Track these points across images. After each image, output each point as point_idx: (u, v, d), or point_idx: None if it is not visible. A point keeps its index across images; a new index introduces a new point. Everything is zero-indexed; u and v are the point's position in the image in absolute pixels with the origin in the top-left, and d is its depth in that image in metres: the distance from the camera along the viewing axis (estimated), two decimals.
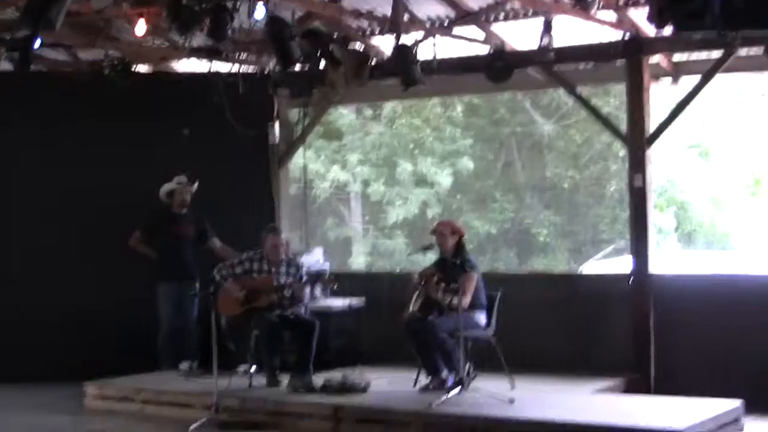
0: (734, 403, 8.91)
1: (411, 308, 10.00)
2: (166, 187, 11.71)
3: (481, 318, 10.10)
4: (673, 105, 11.20)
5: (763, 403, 9.49)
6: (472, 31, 11.33)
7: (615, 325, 11.05)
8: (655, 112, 11.19)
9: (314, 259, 12.08)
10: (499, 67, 11.10)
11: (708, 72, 10.62)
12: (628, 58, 10.79)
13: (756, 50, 9.76)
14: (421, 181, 23.00)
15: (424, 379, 9.93)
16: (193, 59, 12.31)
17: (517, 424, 8.59)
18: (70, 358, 11.59)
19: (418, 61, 10.40)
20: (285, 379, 10.16)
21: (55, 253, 12.12)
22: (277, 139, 12.67)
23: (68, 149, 12.22)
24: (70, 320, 11.93)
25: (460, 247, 10.17)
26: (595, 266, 18.68)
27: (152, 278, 11.57)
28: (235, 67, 11.88)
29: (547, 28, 10.31)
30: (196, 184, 11.71)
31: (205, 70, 12.05)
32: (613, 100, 20.59)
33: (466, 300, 9.75)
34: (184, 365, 11.17)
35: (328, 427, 9.33)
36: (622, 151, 19.51)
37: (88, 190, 12.13)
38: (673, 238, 22.22)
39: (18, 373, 11.52)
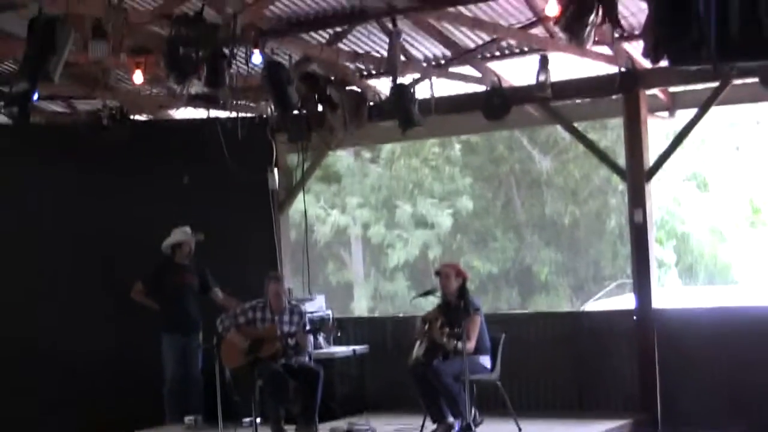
0: None
1: (415, 353, 9.91)
2: (170, 241, 11.58)
3: (486, 361, 10.02)
4: (670, 137, 11.17)
5: None
6: (468, 69, 11.32)
7: (620, 362, 10.95)
8: (653, 145, 11.16)
9: (317, 306, 12.01)
10: (497, 105, 11.06)
11: (705, 103, 10.59)
12: (625, 91, 10.77)
13: (751, 80, 9.73)
14: (421, 222, 22.96)
15: (430, 426, 9.83)
16: (191, 107, 12.30)
17: None
18: (73, 410, 11.47)
19: (416, 100, 10.40)
20: (291, 430, 10.05)
21: (55, 303, 11.88)
22: (277, 185, 12.60)
23: (69, 200, 12.07)
24: (73, 372, 11.72)
25: (463, 289, 10.09)
26: (597, 304, 18.57)
27: (156, 330, 11.49)
28: (233, 114, 11.87)
29: (544, 64, 10.28)
30: (202, 235, 11.64)
31: (203, 117, 12.02)
32: (610, 134, 20.62)
33: (471, 344, 9.67)
34: (189, 418, 11.00)
35: None
36: (621, 185, 19.54)
37: (89, 240, 11.98)
38: (674, 273, 22.16)
39: (16, 422, 11.20)
